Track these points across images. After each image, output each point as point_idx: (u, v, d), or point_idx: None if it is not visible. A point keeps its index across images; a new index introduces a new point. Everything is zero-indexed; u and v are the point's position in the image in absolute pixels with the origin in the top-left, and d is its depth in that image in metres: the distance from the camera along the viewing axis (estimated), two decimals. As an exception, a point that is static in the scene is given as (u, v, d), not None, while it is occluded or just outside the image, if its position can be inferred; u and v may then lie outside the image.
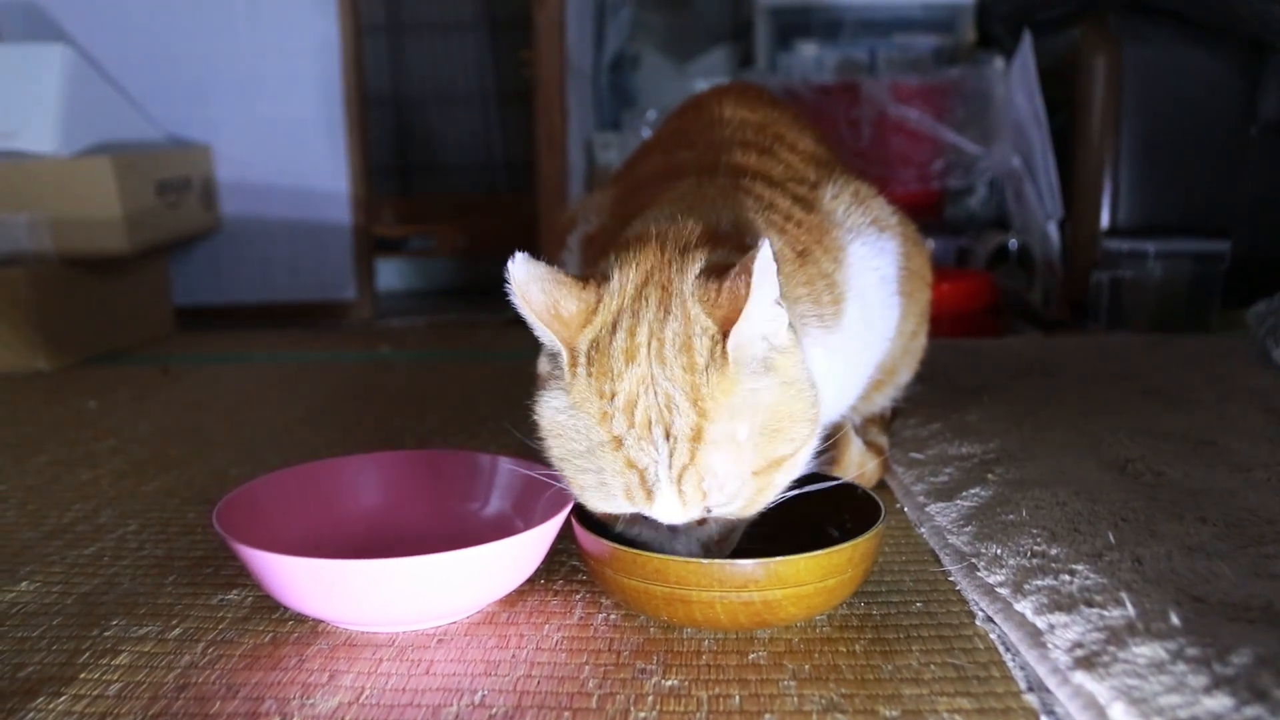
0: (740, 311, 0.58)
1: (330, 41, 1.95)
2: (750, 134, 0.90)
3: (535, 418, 0.64)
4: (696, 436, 0.58)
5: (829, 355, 0.72)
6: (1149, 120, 1.70)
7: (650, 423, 0.58)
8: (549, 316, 0.61)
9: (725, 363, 0.59)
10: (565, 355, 0.61)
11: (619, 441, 0.59)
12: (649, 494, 0.59)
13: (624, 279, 0.62)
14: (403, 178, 2.69)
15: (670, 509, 0.60)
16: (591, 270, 0.66)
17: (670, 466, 0.58)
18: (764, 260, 0.57)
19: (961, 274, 1.92)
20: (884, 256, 0.83)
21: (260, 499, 0.74)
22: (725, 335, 0.59)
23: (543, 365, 0.65)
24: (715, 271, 0.62)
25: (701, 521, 0.62)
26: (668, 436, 0.58)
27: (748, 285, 0.58)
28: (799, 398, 0.62)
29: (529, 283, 0.61)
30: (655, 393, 0.58)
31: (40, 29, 1.90)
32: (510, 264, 0.61)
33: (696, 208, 0.71)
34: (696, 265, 0.62)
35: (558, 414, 0.62)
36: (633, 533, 0.64)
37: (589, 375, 0.60)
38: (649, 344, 0.59)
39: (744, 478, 0.60)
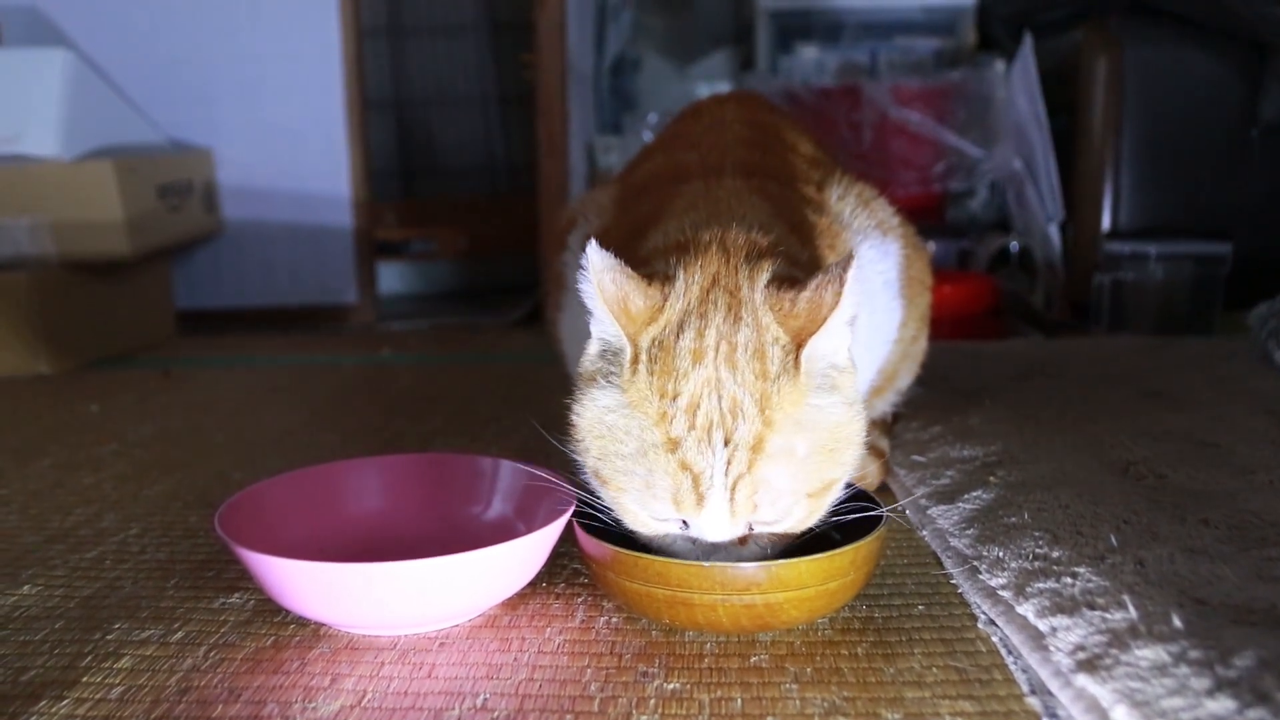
0: (821, 323, 0.58)
1: (331, 45, 1.95)
2: (755, 137, 0.90)
3: (574, 416, 0.63)
4: (758, 446, 0.57)
5: None
6: (1150, 122, 1.70)
7: (712, 426, 0.57)
8: (619, 309, 0.60)
9: (797, 373, 0.58)
10: (628, 351, 0.60)
11: (675, 444, 0.58)
12: (700, 500, 0.58)
13: (689, 280, 0.62)
14: (404, 181, 2.69)
15: (719, 519, 0.58)
16: (652, 270, 0.65)
17: (727, 474, 0.57)
18: (853, 279, 0.58)
19: (963, 276, 1.92)
20: (888, 260, 0.83)
21: (262, 503, 0.74)
22: (799, 346, 0.59)
23: (588, 364, 0.64)
24: (781, 282, 0.62)
25: (743, 541, 0.61)
26: (727, 443, 0.57)
27: (837, 297, 0.58)
28: (855, 420, 0.61)
29: (604, 271, 0.60)
30: (720, 397, 0.58)
31: (42, 33, 1.90)
32: (588, 250, 0.60)
33: (718, 212, 0.71)
34: (764, 275, 0.62)
35: (606, 413, 0.61)
36: (669, 551, 0.63)
37: (650, 374, 0.59)
38: (717, 347, 0.59)
39: (798, 496, 0.59)
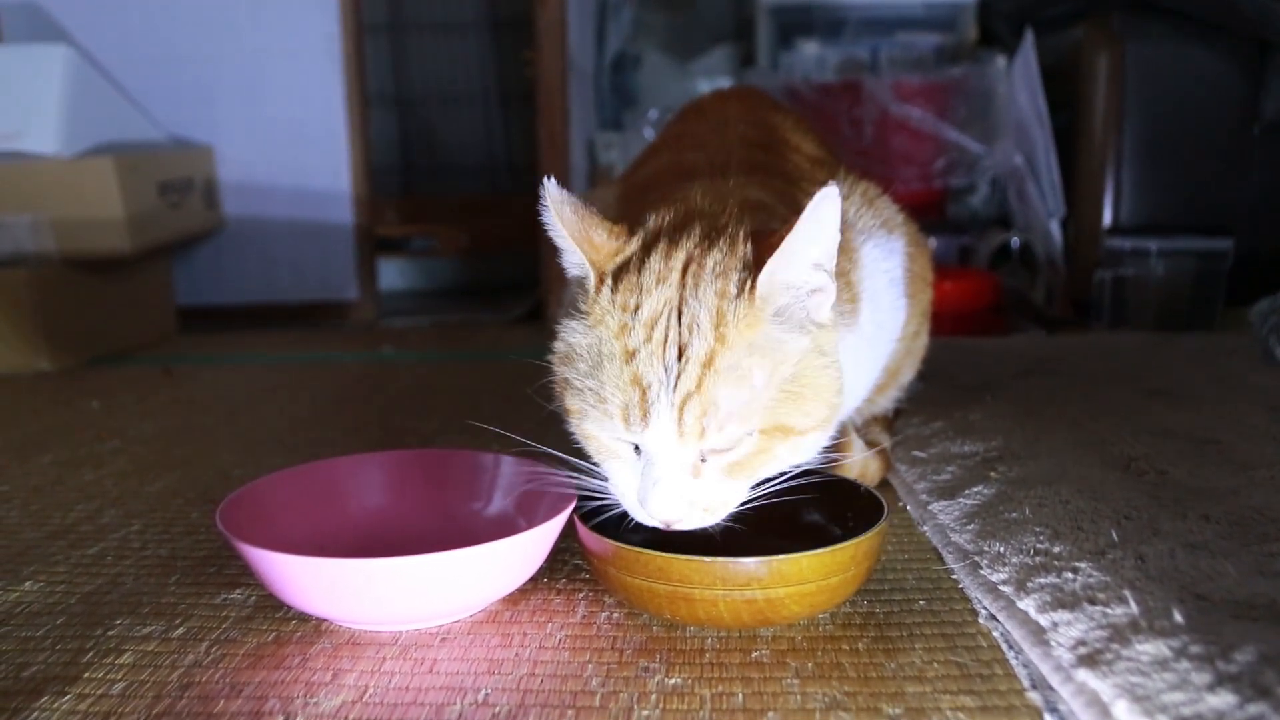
0: (775, 247, 0.58)
1: (332, 42, 1.95)
2: (759, 135, 0.90)
3: (554, 346, 0.65)
4: (709, 362, 0.57)
5: (843, 355, 0.72)
6: (1151, 118, 1.70)
7: (666, 340, 0.58)
8: (581, 238, 0.62)
9: (753, 295, 0.59)
10: (593, 277, 0.62)
11: (631, 355, 0.59)
12: (645, 415, 0.58)
13: (660, 219, 0.64)
14: (405, 178, 2.69)
15: (665, 436, 0.58)
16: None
17: (675, 388, 0.57)
18: (817, 206, 0.57)
19: (964, 273, 1.92)
20: (893, 258, 0.83)
21: (263, 499, 0.74)
22: (759, 265, 0.59)
23: (565, 300, 0.66)
24: (770, 233, 0.63)
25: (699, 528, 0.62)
26: (681, 356, 0.58)
27: (794, 225, 0.58)
28: (826, 372, 0.62)
29: (563, 203, 0.62)
30: (681, 314, 0.58)
31: (43, 30, 1.90)
32: (545, 185, 0.61)
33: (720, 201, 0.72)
34: (747, 221, 0.64)
35: (572, 337, 0.63)
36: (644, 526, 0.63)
37: (613, 292, 0.61)
38: (685, 268, 0.60)
39: (749, 427, 0.59)
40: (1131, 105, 1.69)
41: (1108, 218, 1.73)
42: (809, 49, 2.27)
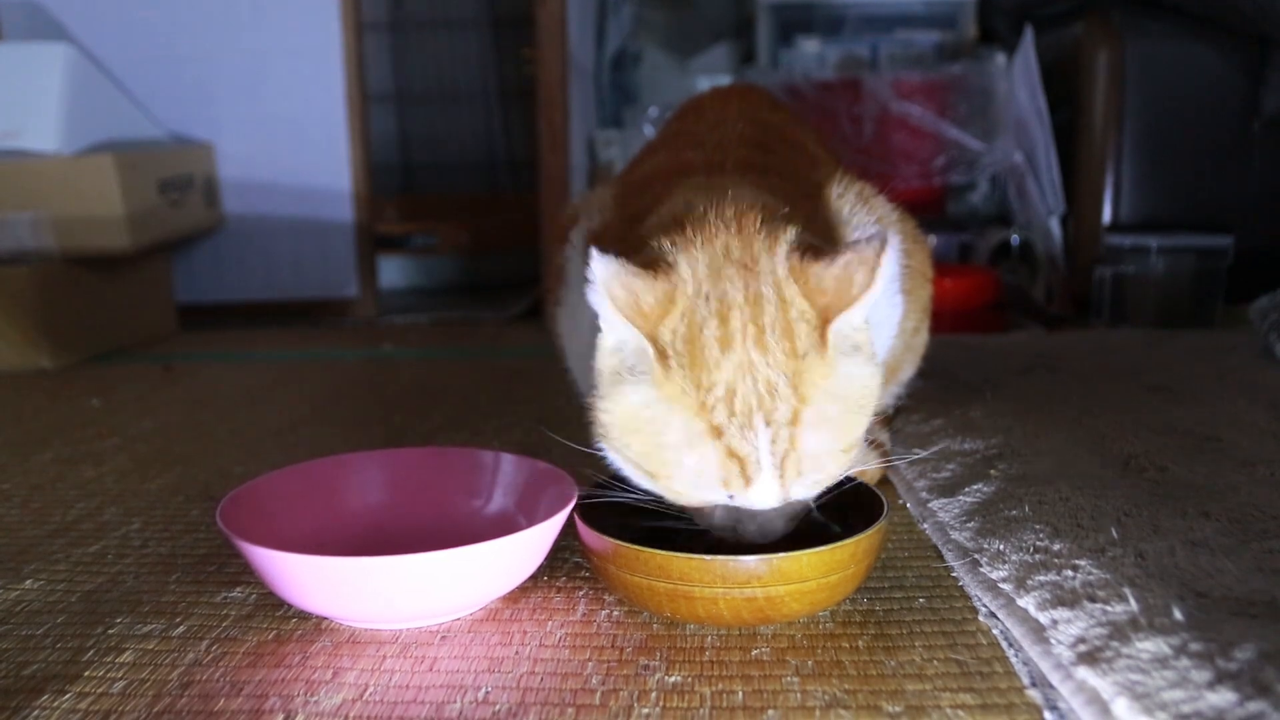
0: (851, 304, 0.59)
1: (332, 39, 1.95)
2: (757, 133, 0.90)
3: (603, 414, 0.62)
4: (795, 420, 0.58)
5: None
6: (1152, 115, 1.70)
7: (751, 410, 0.58)
8: (632, 311, 0.60)
9: (825, 348, 0.59)
10: (651, 349, 0.60)
11: (719, 431, 0.58)
12: (748, 481, 0.59)
13: (691, 260, 0.61)
14: (405, 175, 2.69)
15: (769, 493, 0.59)
16: (648, 256, 0.64)
17: (773, 453, 0.58)
18: (890, 257, 0.59)
19: (964, 270, 1.92)
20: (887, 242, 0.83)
21: (263, 496, 0.74)
22: (826, 322, 0.59)
23: (605, 360, 0.63)
24: (804, 251, 0.62)
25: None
26: (768, 423, 0.58)
27: (870, 279, 0.59)
28: (876, 373, 0.63)
29: (611, 280, 0.60)
30: (755, 379, 0.58)
31: (43, 28, 1.90)
32: (593, 262, 0.59)
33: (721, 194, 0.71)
34: (784, 244, 0.62)
35: (643, 408, 0.60)
36: (715, 521, 0.63)
37: (681, 367, 0.59)
38: (744, 330, 0.59)
39: (836, 456, 0.61)
40: (1131, 102, 1.69)
41: (1108, 215, 1.73)
42: (809, 46, 2.27)
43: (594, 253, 0.60)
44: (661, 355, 0.59)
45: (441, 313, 2.09)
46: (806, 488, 0.61)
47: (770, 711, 0.55)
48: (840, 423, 0.60)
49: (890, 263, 0.82)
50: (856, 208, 0.83)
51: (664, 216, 0.69)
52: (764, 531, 0.62)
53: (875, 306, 0.79)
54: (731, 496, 0.60)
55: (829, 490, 0.63)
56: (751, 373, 0.58)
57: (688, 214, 0.65)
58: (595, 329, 0.64)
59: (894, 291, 0.84)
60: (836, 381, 0.60)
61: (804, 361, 0.59)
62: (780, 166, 0.84)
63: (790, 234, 0.63)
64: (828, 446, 0.60)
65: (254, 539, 0.64)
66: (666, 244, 0.63)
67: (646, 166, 0.92)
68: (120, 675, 0.61)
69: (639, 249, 0.66)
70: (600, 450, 0.65)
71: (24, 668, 0.62)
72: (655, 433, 0.60)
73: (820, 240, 0.75)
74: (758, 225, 0.63)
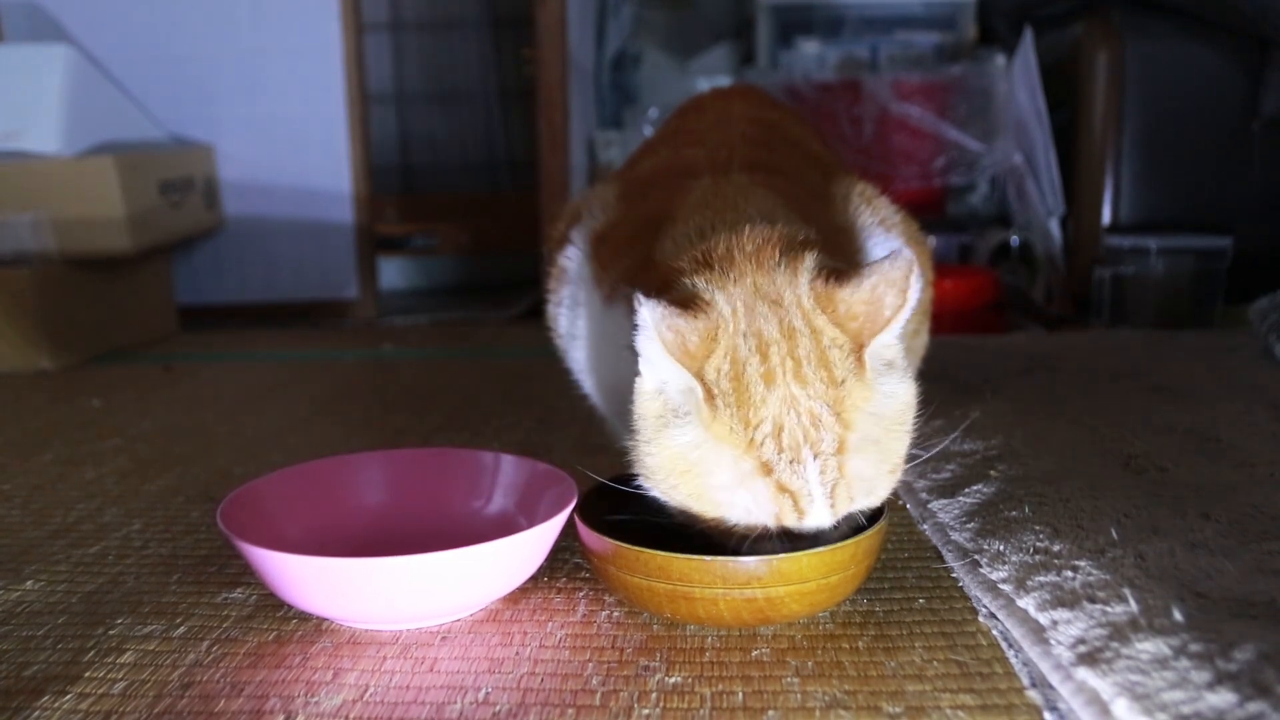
0: (884, 327, 0.59)
1: (332, 40, 1.95)
2: (760, 133, 0.90)
3: (648, 457, 0.62)
4: (842, 449, 0.59)
5: None
6: (1151, 116, 1.70)
7: (799, 445, 0.58)
8: (680, 353, 0.60)
9: (863, 373, 0.59)
10: (699, 389, 0.59)
11: (769, 467, 0.58)
12: (802, 514, 0.59)
13: (730, 299, 0.61)
14: (405, 176, 2.69)
15: (822, 519, 0.60)
16: (681, 294, 0.63)
17: (823, 484, 0.59)
18: (916, 277, 0.59)
19: (964, 271, 1.92)
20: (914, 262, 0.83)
21: (264, 497, 0.74)
22: (861, 347, 0.60)
23: (648, 405, 0.62)
24: (826, 276, 0.61)
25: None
26: (816, 455, 0.58)
27: (901, 299, 0.59)
28: (912, 387, 0.63)
29: (660, 323, 0.59)
30: (799, 413, 0.58)
31: (43, 29, 1.90)
32: (642, 310, 0.59)
33: (726, 209, 0.70)
34: (804, 274, 0.61)
35: (691, 450, 0.60)
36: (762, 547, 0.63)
37: (728, 406, 0.59)
38: (783, 364, 0.59)
39: (883, 475, 0.61)
40: (1131, 103, 1.69)
41: (1107, 215, 1.73)
42: (809, 47, 2.27)
43: (644, 303, 0.59)
44: (709, 395, 0.59)
45: (441, 313, 2.09)
46: (860, 506, 0.61)
47: (770, 712, 0.55)
48: (885, 444, 0.60)
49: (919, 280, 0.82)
50: (861, 209, 0.83)
51: (682, 247, 0.68)
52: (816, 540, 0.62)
53: None
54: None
55: None
56: (795, 407, 0.58)
57: (711, 246, 0.64)
58: (625, 361, 0.64)
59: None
60: (877, 403, 0.60)
61: (843, 389, 0.59)
62: (784, 166, 0.84)
63: (809, 261, 0.62)
64: (875, 469, 0.60)
65: (254, 540, 0.64)
66: (701, 282, 0.62)
67: (648, 164, 0.91)
68: (121, 676, 0.61)
69: (665, 278, 0.65)
70: (644, 489, 0.64)
71: (25, 668, 0.62)
72: (705, 473, 0.60)
73: (832, 244, 0.76)
74: (776, 258, 0.62)
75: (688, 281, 0.63)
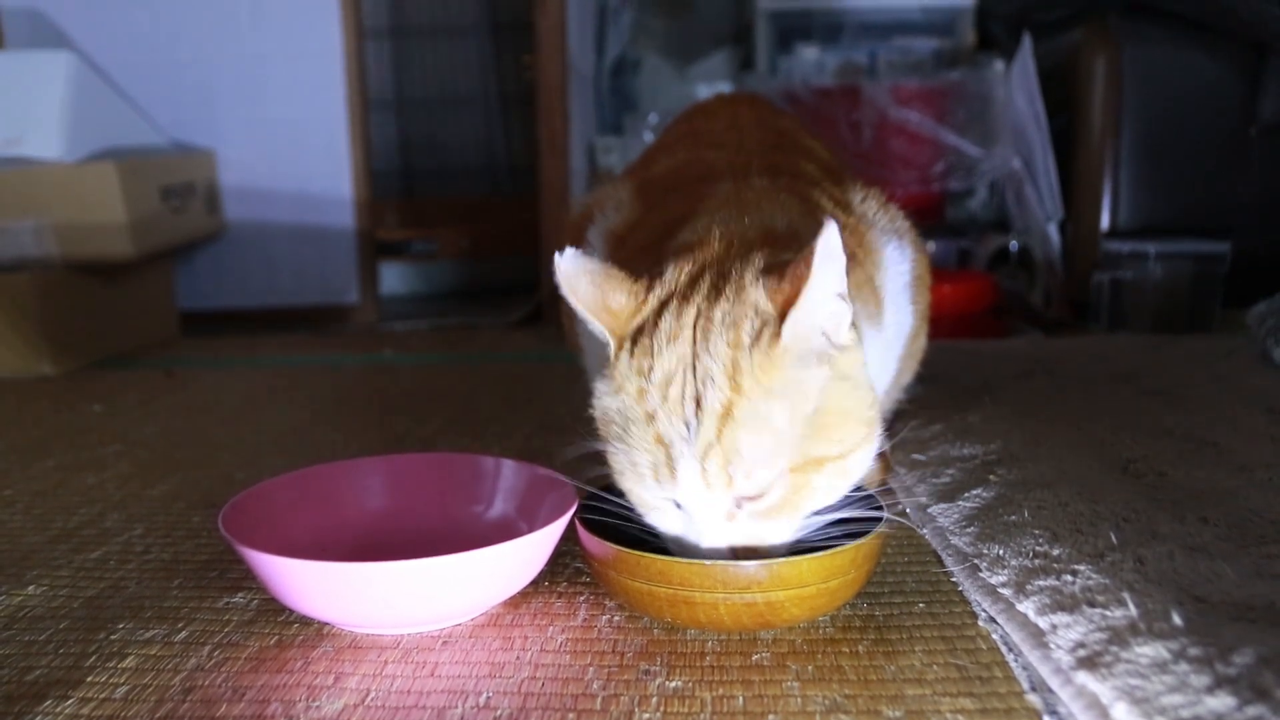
0: (798, 294, 0.57)
1: (333, 46, 1.95)
2: (773, 138, 0.91)
3: (592, 412, 0.65)
4: (726, 413, 0.57)
5: (870, 358, 0.71)
6: (1149, 121, 1.70)
7: (683, 396, 0.58)
8: (598, 308, 0.62)
9: (775, 344, 0.58)
10: (612, 345, 0.62)
11: (651, 416, 0.59)
12: (672, 471, 0.58)
13: (678, 272, 0.63)
14: (405, 181, 2.69)
15: (694, 489, 0.58)
16: (648, 269, 0.66)
17: (695, 442, 0.57)
18: (827, 243, 0.56)
19: (963, 276, 1.92)
20: (906, 263, 0.84)
21: (265, 502, 0.75)
22: (781, 317, 0.58)
23: (597, 360, 0.66)
24: (780, 266, 0.61)
25: (743, 553, 0.61)
26: (698, 411, 0.58)
27: (808, 266, 0.57)
28: (853, 394, 0.61)
29: (576, 276, 0.62)
30: (694, 369, 0.58)
31: (45, 36, 1.91)
32: (558, 260, 0.62)
33: (746, 212, 0.71)
34: (760, 260, 0.62)
35: (602, 399, 0.63)
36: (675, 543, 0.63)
37: (630, 356, 0.61)
38: (695, 324, 0.60)
39: (778, 470, 0.58)
40: (1129, 108, 1.69)
41: (1105, 220, 1.73)
42: (807, 53, 2.27)
43: (568, 252, 0.62)
44: (619, 348, 0.62)
45: (442, 319, 2.09)
46: (741, 497, 0.58)
47: (771, 716, 0.55)
48: (785, 432, 0.58)
49: (905, 271, 0.83)
50: (879, 213, 0.84)
51: (684, 238, 0.70)
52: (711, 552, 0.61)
53: (899, 311, 0.80)
54: (679, 506, 0.60)
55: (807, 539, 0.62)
56: (693, 362, 0.59)
57: (704, 236, 0.67)
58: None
59: (908, 299, 0.84)
60: (784, 383, 0.57)
61: (745, 353, 0.58)
62: (800, 170, 0.84)
63: (767, 252, 0.63)
64: (763, 454, 0.57)
65: (256, 544, 0.64)
66: (670, 261, 0.65)
67: (665, 164, 0.91)
68: (123, 681, 0.61)
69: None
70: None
71: (27, 673, 0.62)
72: (610, 423, 0.62)
73: (847, 249, 0.76)
74: (743, 242, 0.64)
75: (671, 259, 0.65)
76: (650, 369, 0.59)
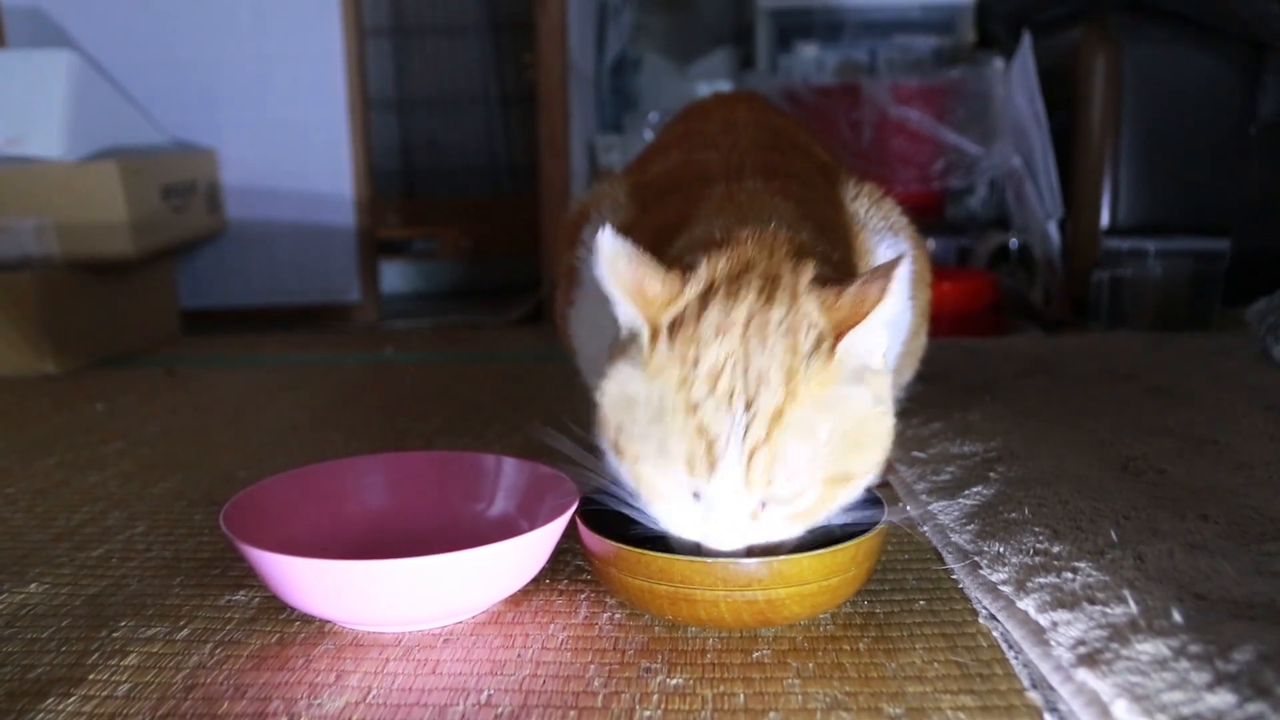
0: (864, 316, 0.58)
1: (334, 45, 1.96)
2: (768, 137, 0.91)
3: (600, 396, 0.63)
4: (779, 416, 0.57)
5: None
6: (1149, 119, 1.70)
7: (734, 392, 0.57)
8: (634, 291, 0.61)
9: (830, 358, 0.58)
10: (646, 331, 0.60)
11: (694, 407, 0.58)
12: (713, 464, 0.57)
13: (714, 265, 0.62)
14: (406, 180, 2.69)
15: (732, 485, 0.58)
16: (675, 261, 0.65)
17: (745, 438, 0.57)
18: (902, 275, 0.58)
19: (963, 274, 1.93)
20: (903, 259, 0.83)
21: (266, 500, 0.75)
22: (839, 336, 0.59)
23: (614, 347, 0.64)
24: (826, 281, 0.62)
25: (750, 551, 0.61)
26: (749, 408, 0.57)
27: (882, 292, 0.58)
28: (883, 419, 0.62)
29: (618, 257, 0.61)
30: (746, 367, 0.58)
31: (46, 35, 1.91)
32: (600, 236, 0.60)
33: (745, 215, 0.71)
34: (809, 270, 0.62)
35: (626, 384, 0.61)
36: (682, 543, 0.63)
37: (671, 343, 0.59)
38: (747, 323, 0.59)
39: (813, 479, 0.59)
40: (1129, 106, 1.69)
41: (1105, 218, 1.73)
42: (808, 51, 2.27)
43: (605, 229, 0.60)
44: (654, 336, 0.60)
45: (443, 317, 2.09)
46: (774, 499, 0.59)
47: (772, 714, 0.55)
48: (827, 445, 0.58)
49: (905, 278, 0.83)
50: (872, 210, 0.84)
51: (697, 237, 0.69)
52: (723, 546, 0.61)
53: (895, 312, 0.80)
54: (697, 496, 0.59)
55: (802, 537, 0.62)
56: (745, 359, 0.58)
57: (726, 235, 0.66)
58: (608, 326, 0.65)
59: (907, 297, 0.83)
60: (832, 398, 0.58)
61: (804, 361, 0.58)
62: (794, 170, 0.84)
63: (815, 264, 0.63)
64: (804, 462, 0.58)
65: (257, 542, 0.64)
66: (700, 255, 0.64)
67: (659, 165, 0.91)
68: (125, 678, 0.61)
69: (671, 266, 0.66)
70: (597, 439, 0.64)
71: (29, 671, 0.62)
72: (634, 408, 0.60)
73: (844, 247, 0.76)
74: (787, 251, 0.63)
75: (690, 256, 0.64)
76: (696, 358, 0.58)
